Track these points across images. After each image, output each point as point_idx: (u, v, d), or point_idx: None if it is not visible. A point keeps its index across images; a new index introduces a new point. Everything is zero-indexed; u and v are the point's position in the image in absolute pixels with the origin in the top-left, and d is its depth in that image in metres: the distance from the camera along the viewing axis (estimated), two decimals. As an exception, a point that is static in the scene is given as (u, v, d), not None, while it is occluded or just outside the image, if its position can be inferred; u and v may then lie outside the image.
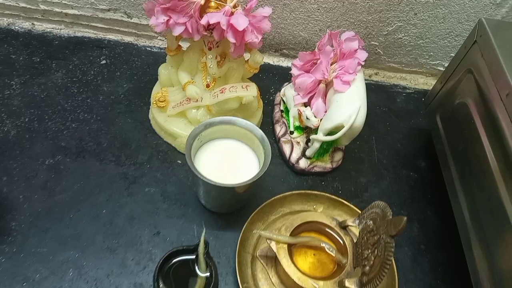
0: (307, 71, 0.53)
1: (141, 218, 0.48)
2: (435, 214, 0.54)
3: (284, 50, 0.70)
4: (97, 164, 0.51)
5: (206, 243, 0.40)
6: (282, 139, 0.57)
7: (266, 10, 0.47)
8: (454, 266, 0.49)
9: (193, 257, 0.41)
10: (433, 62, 0.70)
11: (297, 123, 0.56)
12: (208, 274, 0.40)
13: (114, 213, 0.48)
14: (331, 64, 0.51)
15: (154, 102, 0.55)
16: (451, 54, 0.68)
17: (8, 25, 0.65)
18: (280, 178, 0.55)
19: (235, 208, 0.50)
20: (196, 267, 0.41)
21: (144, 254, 0.45)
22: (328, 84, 0.52)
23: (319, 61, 0.51)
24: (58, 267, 0.43)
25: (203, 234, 0.41)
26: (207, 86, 0.52)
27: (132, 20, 0.65)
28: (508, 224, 0.40)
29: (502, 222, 0.41)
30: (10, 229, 0.45)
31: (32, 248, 0.44)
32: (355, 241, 0.43)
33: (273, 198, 0.50)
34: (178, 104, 0.53)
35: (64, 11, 0.65)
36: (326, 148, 0.54)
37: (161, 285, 0.39)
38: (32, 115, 0.54)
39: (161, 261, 0.40)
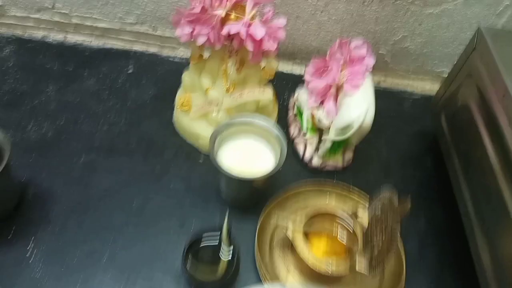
0: (320, 76, 0.57)
1: (167, 210, 0.52)
2: (441, 209, 0.57)
3: (297, 59, 0.75)
4: (127, 162, 0.56)
5: (229, 227, 0.44)
6: (296, 139, 0.61)
7: (281, 21, 0.52)
8: (459, 257, 0.52)
9: (216, 243, 0.45)
10: (438, 70, 0.74)
11: (310, 125, 0.60)
12: (229, 257, 0.44)
13: (143, 205, 0.52)
14: (341, 70, 0.55)
15: (178, 106, 0.60)
16: (455, 62, 0.72)
17: (43, 37, 0.71)
18: (294, 176, 0.58)
19: (253, 202, 0.53)
20: (220, 252, 0.44)
21: (170, 242, 0.49)
22: (339, 88, 0.56)
23: (330, 68, 0.55)
24: (93, 252, 0.47)
25: (226, 216, 0.45)
26: (227, 90, 0.57)
27: (157, 33, 0.71)
28: (508, 217, 0.43)
29: (503, 215, 0.44)
30: (50, 219, 0.49)
31: (70, 235, 0.48)
32: (364, 229, 0.47)
33: (288, 192, 0.54)
34: (201, 108, 0.58)
35: (94, 24, 0.70)
36: (337, 148, 0.58)
37: (188, 263, 0.42)
38: (67, 119, 0.60)
39: (188, 244, 0.44)
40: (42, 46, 0.70)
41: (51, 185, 0.52)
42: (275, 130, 0.51)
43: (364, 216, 0.47)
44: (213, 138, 0.50)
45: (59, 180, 0.52)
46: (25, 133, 0.57)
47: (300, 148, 0.60)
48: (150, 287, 0.46)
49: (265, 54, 0.55)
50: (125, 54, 0.71)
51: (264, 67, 0.57)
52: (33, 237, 0.47)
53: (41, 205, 0.50)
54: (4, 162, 0.44)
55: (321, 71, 0.58)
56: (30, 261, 0.45)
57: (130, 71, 0.68)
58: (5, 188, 0.46)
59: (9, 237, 0.47)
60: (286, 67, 0.75)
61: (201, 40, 0.52)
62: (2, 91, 0.62)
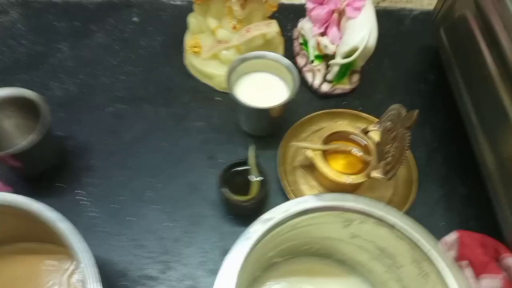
0: (321, 4, 0.59)
1: (195, 147, 0.57)
2: (445, 118, 0.61)
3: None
4: (150, 108, 0.60)
5: (255, 153, 0.49)
6: (304, 68, 0.64)
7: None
8: (463, 157, 0.57)
9: (246, 168, 0.50)
10: (436, -18, 0.75)
11: (316, 52, 0.62)
12: (258, 178, 0.49)
13: (173, 145, 0.57)
14: (342, -6, 0.57)
15: (189, 49, 0.62)
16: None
17: (45, -5, 0.72)
18: (306, 103, 0.62)
19: (271, 130, 0.58)
20: (250, 175, 0.50)
21: (202, 173, 0.54)
22: (341, 13, 0.58)
23: (331, -7, 0.57)
24: (137, 190, 0.53)
25: (251, 144, 0.50)
26: (234, 28, 0.59)
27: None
28: (507, 120, 0.46)
29: (502, 119, 0.48)
30: (92, 166, 0.54)
31: (113, 178, 0.53)
32: (377, 142, 0.52)
33: (303, 118, 0.58)
34: (211, 48, 0.61)
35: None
36: (344, 71, 0.61)
37: (224, 188, 0.48)
38: (86, 73, 0.63)
39: (222, 172, 0.49)
40: (48, 5, 0.71)
41: (86, 136, 0.56)
42: (286, 60, 0.54)
43: (374, 132, 0.52)
44: (229, 74, 0.54)
45: (92, 131, 0.57)
46: (50, 91, 0.60)
47: (308, 77, 0.63)
48: (192, 213, 0.51)
49: (267, -13, 0.57)
50: (127, 3, 0.72)
51: (267, 0, 0.59)
52: (81, 183, 0.53)
53: (82, 155, 0.55)
54: (45, 119, 0.48)
55: (322, -2, 0.60)
56: (83, 203, 0.51)
57: (136, 19, 0.70)
58: (49, 142, 0.50)
59: (60, 184, 0.52)
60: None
61: (204, -20, 0.54)
62: (19, 54, 0.64)
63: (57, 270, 0.44)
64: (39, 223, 0.37)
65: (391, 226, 0.35)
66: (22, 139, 0.50)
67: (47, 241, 0.44)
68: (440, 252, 0.34)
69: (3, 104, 0.48)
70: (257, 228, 0.33)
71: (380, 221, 0.36)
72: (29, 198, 0.36)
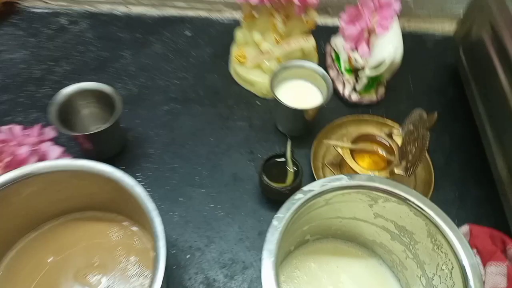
0: (353, 23, 0.67)
1: (237, 143, 0.65)
2: (462, 127, 0.68)
3: (329, 12, 0.85)
4: (199, 108, 0.69)
5: (292, 148, 0.57)
6: (335, 81, 0.72)
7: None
8: (477, 163, 0.63)
9: (284, 160, 0.58)
10: (456, 11, 0.82)
11: (347, 66, 0.70)
12: (295, 169, 0.57)
13: (218, 141, 0.65)
14: (372, 15, 0.65)
15: (235, 59, 0.71)
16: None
17: (110, 10, 0.83)
18: (336, 110, 0.70)
19: (305, 131, 0.65)
20: (287, 166, 0.57)
21: (243, 165, 0.62)
22: (371, 32, 0.66)
23: (362, 14, 0.65)
24: (186, 175, 0.61)
25: (288, 140, 0.57)
26: (276, 41, 0.68)
27: (206, -2, 0.82)
28: None
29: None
30: (150, 154, 0.63)
31: (167, 165, 0.62)
32: (400, 144, 0.59)
33: (333, 122, 0.66)
34: (255, 58, 0.69)
35: (152, -4, 0.82)
36: (372, 83, 0.69)
37: (264, 177, 0.56)
38: (145, 77, 0.72)
39: (263, 163, 0.56)
40: (112, 18, 0.82)
41: (145, 129, 0.65)
42: (321, 70, 0.63)
43: (398, 135, 0.59)
44: (272, 79, 0.62)
45: (150, 126, 0.66)
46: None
47: (339, 88, 0.71)
48: (233, 198, 0.59)
49: (307, 6, 0.65)
50: (181, 20, 0.82)
51: (306, 18, 0.68)
52: (140, 167, 0.61)
53: (141, 145, 0.64)
54: (119, 112, 0.57)
55: (354, 18, 0.68)
56: (141, 184, 0.58)
57: (188, 34, 0.80)
58: (116, 131, 0.59)
59: (122, 168, 0.60)
60: (320, 20, 0.85)
61: (254, 0, 0.63)
62: (88, 58, 0.75)
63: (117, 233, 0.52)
64: (118, 189, 0.45)
65: (410, 204, 0.42)
66: (95, 125, 0.60)
67: (112, 211, 0.53)
68: (450, 225, 0.40)
69: (84, 94, 0.58)
70: (300, 196, 0.40)
71: (401, 199, 0.42)
72: (114, 168, 0.45)
